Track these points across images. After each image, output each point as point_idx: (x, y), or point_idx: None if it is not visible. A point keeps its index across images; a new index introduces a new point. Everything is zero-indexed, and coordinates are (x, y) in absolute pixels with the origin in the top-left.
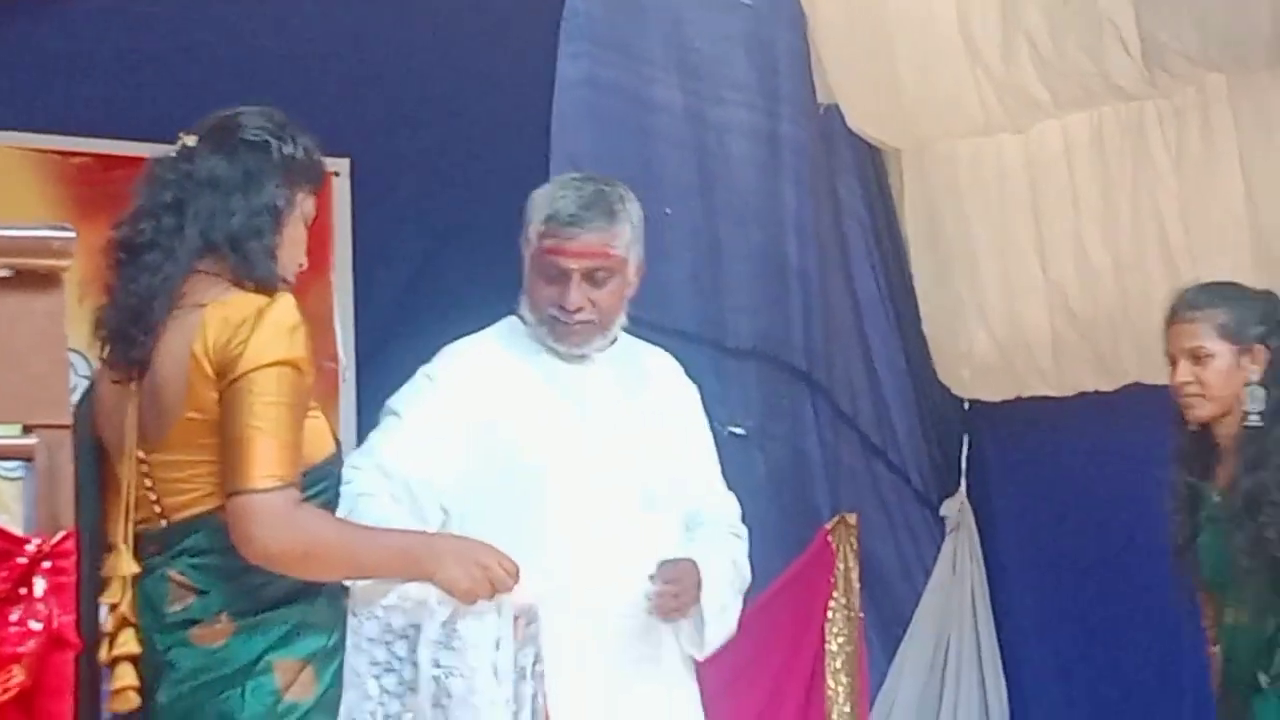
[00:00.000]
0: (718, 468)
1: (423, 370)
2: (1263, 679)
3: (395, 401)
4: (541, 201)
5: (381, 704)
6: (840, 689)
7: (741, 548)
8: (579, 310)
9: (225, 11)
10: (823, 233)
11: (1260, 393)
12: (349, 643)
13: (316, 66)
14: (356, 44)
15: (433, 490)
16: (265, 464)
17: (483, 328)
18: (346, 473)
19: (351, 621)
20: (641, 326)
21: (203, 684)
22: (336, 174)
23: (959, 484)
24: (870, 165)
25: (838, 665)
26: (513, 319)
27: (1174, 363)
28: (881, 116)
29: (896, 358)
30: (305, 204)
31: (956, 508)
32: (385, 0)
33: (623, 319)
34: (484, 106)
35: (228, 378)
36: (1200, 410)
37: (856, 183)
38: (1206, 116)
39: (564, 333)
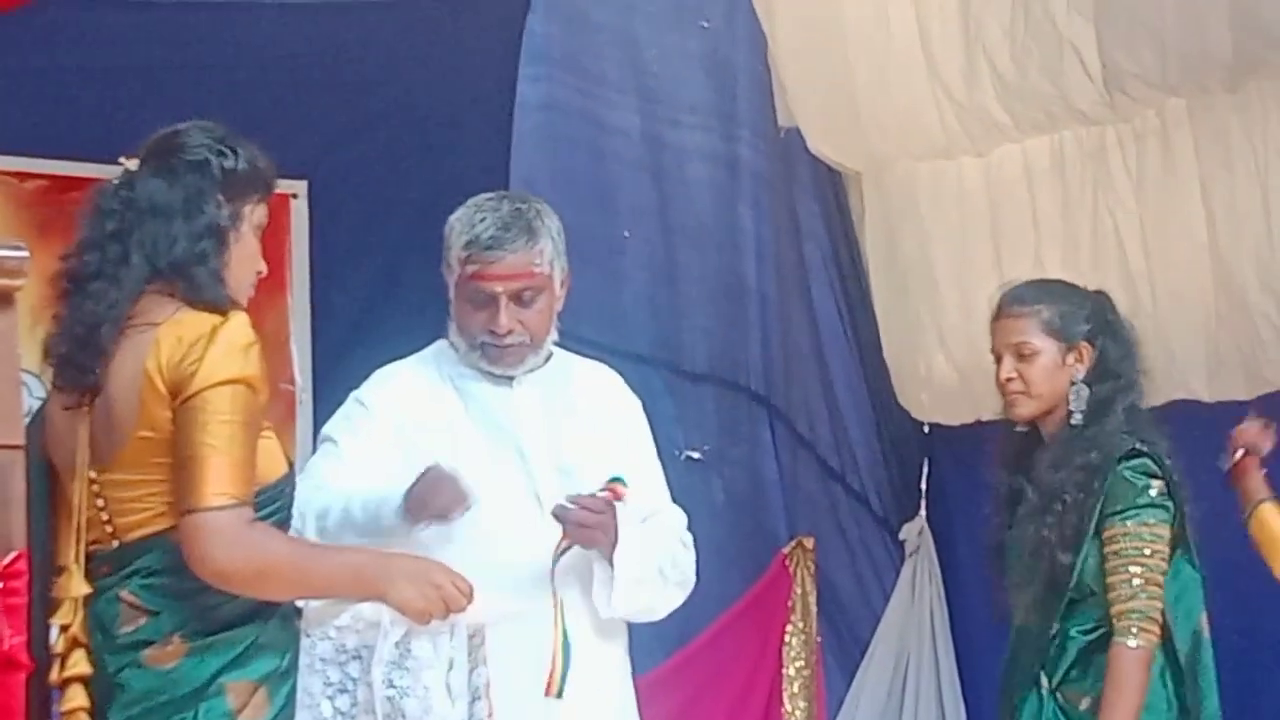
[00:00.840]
0: (662, 481)
1: (354, 395)
2: (1044, 682)
3: (331, 428)
4: (460, 226)
5: None
6: (798, 713)
7: (686, 554)
8: (510, 333)
9: (181, 31)
10: (781, 255)
11: (1085, 391)
12: (302, 664)
13: (274, 87)
14: (314, 64)
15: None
16: (218, 482)
17: None
18: (297, 503)
19: (305, 642)
20: (596, 349)
21: (155, 706)
22: (294, 196)
23: (918, 508)
24: (830, 187)
25: (795, 689)
26: (442, 344)
27: (999, 359)
28: (841, 138)
29: (856, 381)
30: (255, 214)
31: (916, 531)
32: (343, 20)
33: (554, 335)
34: (442, 127)
35: (181, 396)
36: (1023, 408)
37: (816, 205)
38: (1167, 140)
39: (497, 356)
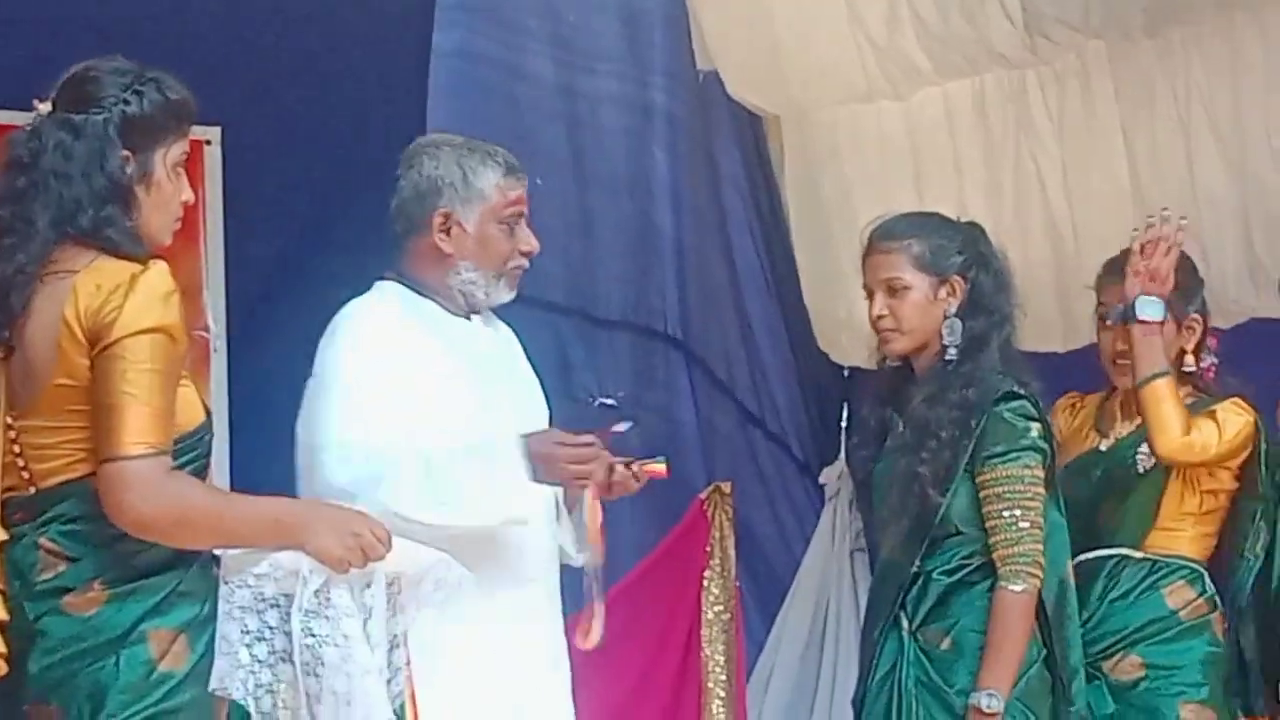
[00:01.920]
0: None
1: (340, 336)
2: (904, 622)
3: (331, 373)
4: (480, 159)
5: (253, 672)
6: (717, 657)
7: None
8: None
9: None
10: (700, 201)
11: (958, 325)
12: (221, 611)
13: (187, 33)
14: (228, 9)
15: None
16: (137, 431)
17: (354, 299)
18: (343, 457)
19: (223, 590)
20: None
21: (75, 653)
22: (208, 142)
23: (839, 451)
24: (749, 132)
25: (714, 634)
26: (389, 285)
27: (870, 295)
28: (761, 83)
29: (775, 325)
30: (171, 154)
31: (836, 475)
32: None
33: None
34: (359, 74)
35: (100, 344)
36: (895, 344)
37: (736, 150)
38: (1087, 83)
39: (516, 279)
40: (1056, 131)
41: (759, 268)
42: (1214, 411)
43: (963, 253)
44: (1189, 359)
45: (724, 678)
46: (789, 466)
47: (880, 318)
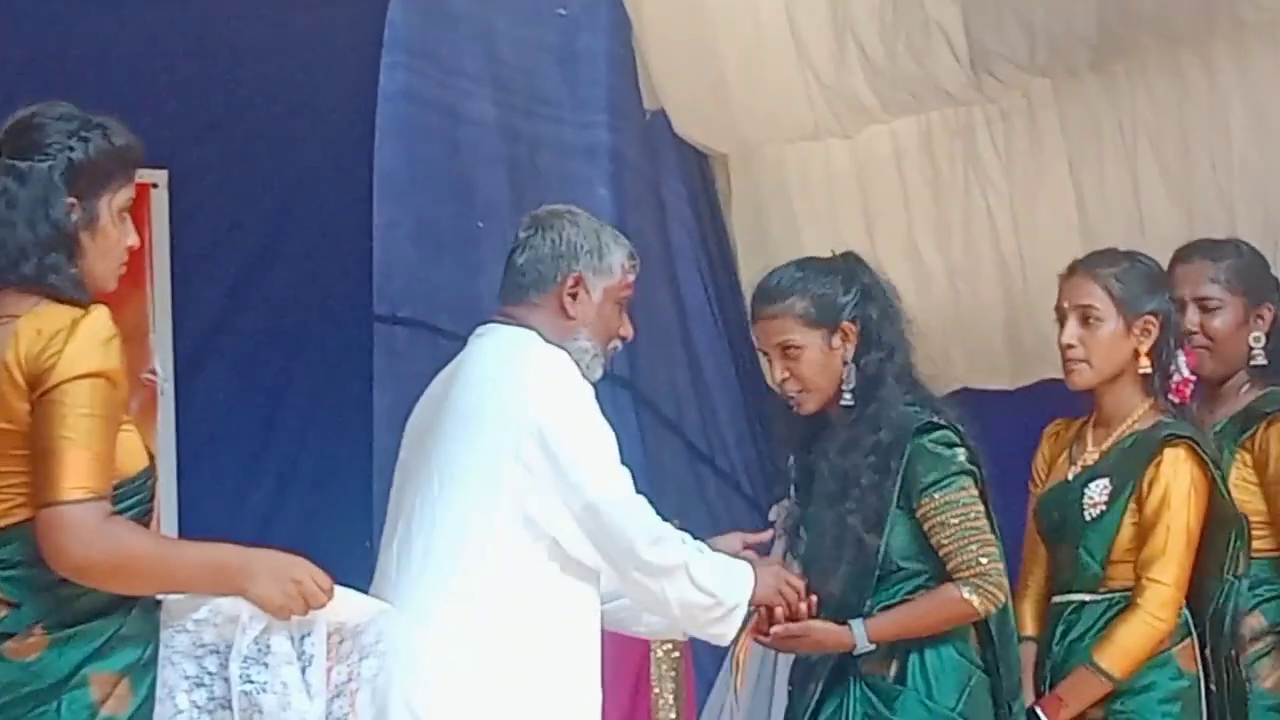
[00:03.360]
0: None
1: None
2: (852, 666)
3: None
4: (610, 236)
5: (192, 718)
6: (667, 696)
7: None
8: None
9: (38, 19)
10: (647, 240)
11: (854, 370)
12: (161, 656)
13: (134, 75)
14: (175, 52)
15: None
16: (76, 476)
17: (302, 341)
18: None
19: (163, 634)
20: (453, 340)
21: (17, 698)
22: (155, 185)
23: (787, 489)
24: (697, 170)
25: (663, 671)
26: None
27: (768, 359)
28: (708, 122)
29: (724, 363)
30: (117, 199)
31: (785, 512)
32: (204, 8)
33: None
34: (305, 117)
35: (39, 389)
36: (808, 404)
37: (683, 188)
38: (1034, 120)
39: (608, 362)
40: (1004, 168)
41: (707, 305)
42: (1163, 505)
43: (847, 293)
44: (1144, 361)
45: (673, 715)
46: (738, 503)
47: (784, 381)
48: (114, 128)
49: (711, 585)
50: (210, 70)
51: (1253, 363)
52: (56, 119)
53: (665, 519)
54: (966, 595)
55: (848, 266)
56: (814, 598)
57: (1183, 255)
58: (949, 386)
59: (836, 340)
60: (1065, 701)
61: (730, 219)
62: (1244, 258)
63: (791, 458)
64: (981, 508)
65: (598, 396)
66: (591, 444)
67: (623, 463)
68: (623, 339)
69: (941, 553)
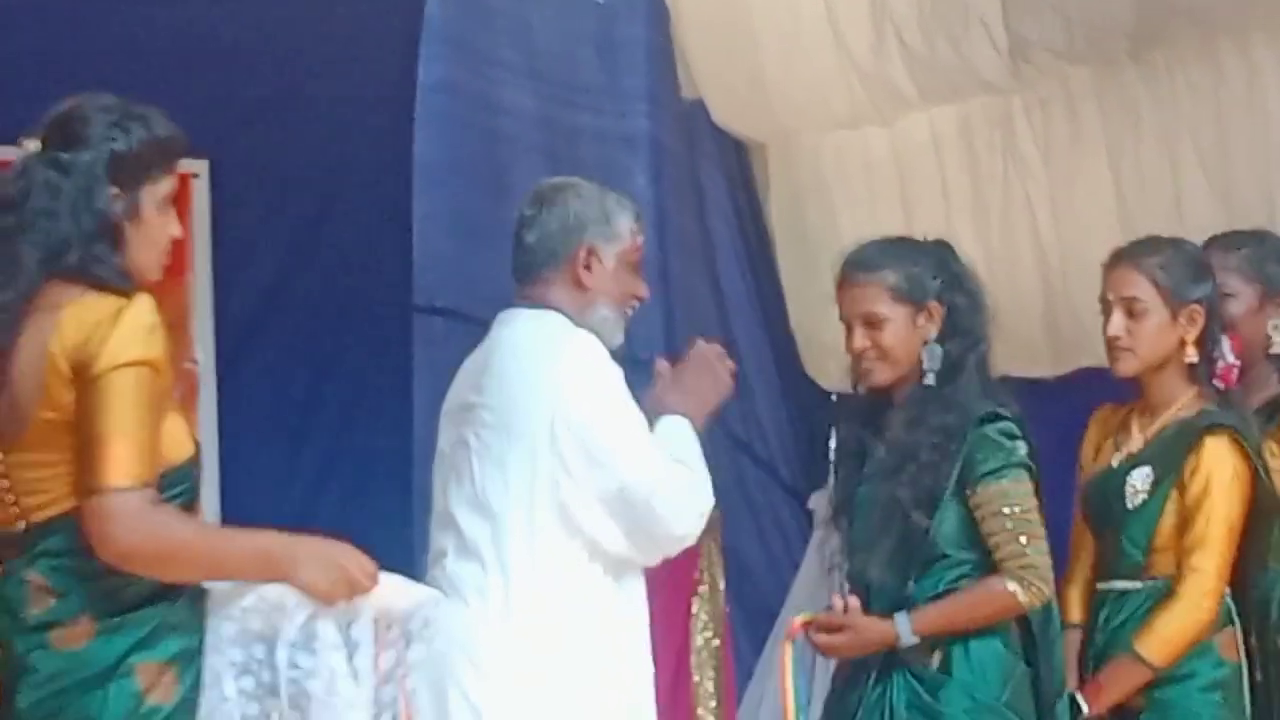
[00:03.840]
0: None
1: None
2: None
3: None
4: (615, 201)
5: (240, 705)
6: (707, 684)
7: None
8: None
9: (81, 11)
10: (685, 229)
11: (938, 351)
12: (207, 644)
13: (176, 66)
14: (215, 44)
15: None
16: (121, 464)
17: (341, 330)
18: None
19: (210, 622)
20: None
21: (64, 687)
22: (195, 175)
23: (827, 476)
24: (735, 159)
25: (703, 660)
26: (560, 317)
27: (849, 327)
28: (747, 111)
29: (763, 351)
30: (158, 190)
31: (824, 500)
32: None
33: None
34: (345, 107)
35: (84, 378)
36: (879, 376)
37: (721, 177)
38: (1072, 109)
39: (628, 322)
40: (1043, 157)
41: (745, 294)
42: (1204, 493)
43: (937, 277)
44: (1190, 350)
45: (714, 704)
46: (777, 492)
47: (862, 350)
48: (155, 118)
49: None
50: (251, 61)
51: (1271, 350)
52: (99, 110)
53: None
54: (1011, 588)
55: (940, 252)
56: (854, 600)
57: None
58: None
59: (921, 319)
60: (1105, 688)
61: (768, 207)
62: (1264, 246)
63: (835, 440)
64: (1035, 503)
65: (635, 381)
66: (622, 429)
67: None
68: (639, 300)
69: (990, 542)
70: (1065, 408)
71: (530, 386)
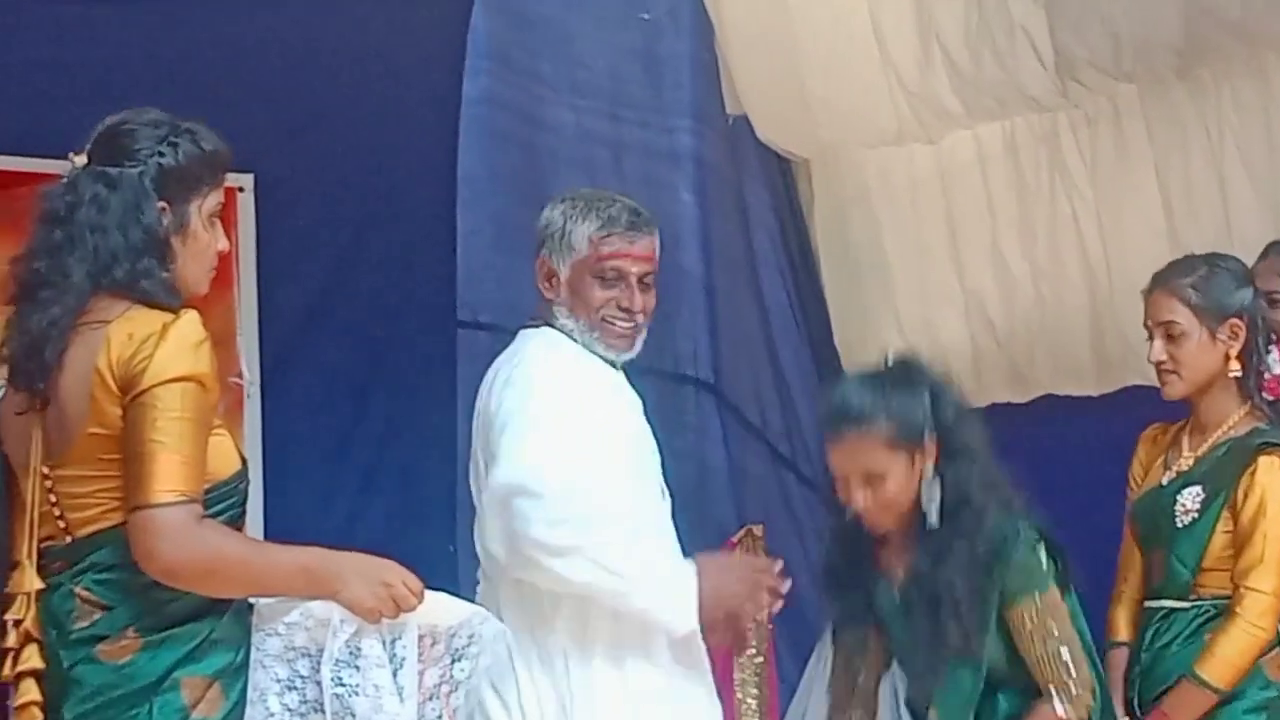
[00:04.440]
0: None
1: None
2: None
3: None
4: (583, 210)
5: None
6: (750, 700)
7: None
8: (641, 310)
9: (126, 25)
10: (730, 245)
11: (936, 486)
12: (252, 659)
13: (220, 80)
14: (261, 58)
15: None
16: (167, 479)
17: (386, 345)
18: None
19: (255, 638)
20: None
21: (109, 700)
22: (241, 189)
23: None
24: (779, 176)
25: (747, 677)
26: (551, 333)
27: (844, 481)
28: (791, 127)
29: (806, 368)
30: (206, 204)
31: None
32: (290, 13)
33: None
34: (390, 122)
35: (131, 393)
36: (884, 522)
37: (765, 193)
38: (1119, 126)
39: (618, 334)
40: (1090, 173)
41: (789, 310)
42: (1259, 513)
43: (923, 405)
44: (1234, 364)
45: None
46: (820, 507)
47: (866, 507)
48: (203, 133)
49: (622, 568)
50: (296, 76)
51: None
52: (146, 125)
53: (745, 523)
54: (1061, 711)
55: (909, 372)
56: None
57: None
58: (1033, 393)
59: (918, 458)
60: (1170, 717)
61: (813, 224)
62: None
63: (827, 566)
64: (1066, 609)
65: (685, 399)
66: (522, 430)
67: (706, 466)
68: (624, 309)
69: (1029, 657)
70: (1111, 426)
71: (486, 388)
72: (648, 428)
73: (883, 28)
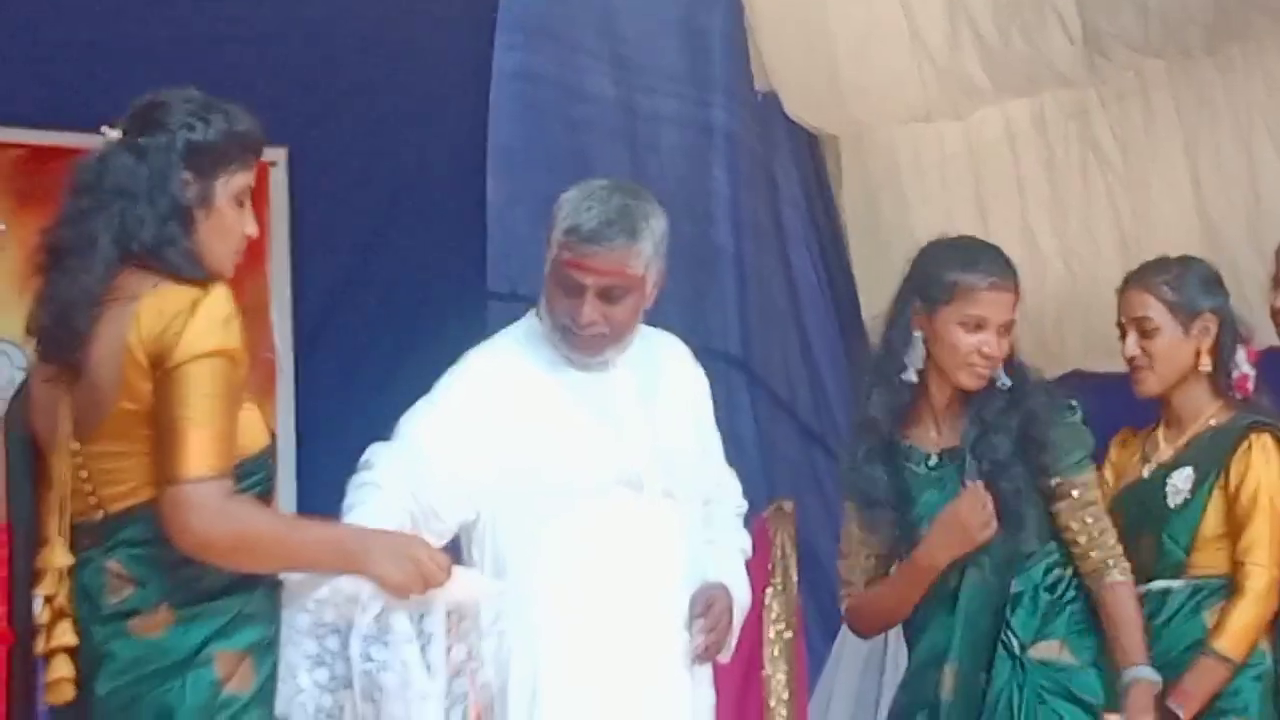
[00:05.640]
0: (721, 449)
1: (430, 397)
2: (1013, 644)
3: (405, 423)
4: (566, 209)
5: (314, 697)
6: (779, 675)
7: (744, 531)
8: (590, 324)
9: (162, 4)
10: (759, 220)
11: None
12: (282, 635)
13: (253, 56)
14: (293, 32)
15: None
16: (198, 454)
17: (418, 318)
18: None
19: (284, 614)
20: None
21: (142, 675)
22: (274, 164)
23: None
24: (808, 152)
25: (776, 653)
26: (532, 318)
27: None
28: (820, 103)
29: (835, 344)
30: (232, 184)
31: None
32: None
33: (638, 328)
34: (422, 95)
35: (161, 368)
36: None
37: (794, 169)
38: (1148, 102)
39: (574, 344)
40: (1119, 150)
41: (818, 287)
42: (1259, 490)
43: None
44: (1205, 360)
45: (786, 697)
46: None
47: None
48: (237, 113)
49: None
50: (328, 51)
51: None
52: (179, 100)
53: (774, 498)
54: (1121, 578)
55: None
56: None
57: None
58: (1063, 369)
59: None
60: (1192, 693)
61: (841, 201)
62: None
63: (866, 483)
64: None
65: (714, 374)
66: (407, 416)
67: (735, 440)
68: (574, 321)
69: (1069, 527)
70: (1140, 401)
71: None
72: (600, 426)
73: (911, 4)
